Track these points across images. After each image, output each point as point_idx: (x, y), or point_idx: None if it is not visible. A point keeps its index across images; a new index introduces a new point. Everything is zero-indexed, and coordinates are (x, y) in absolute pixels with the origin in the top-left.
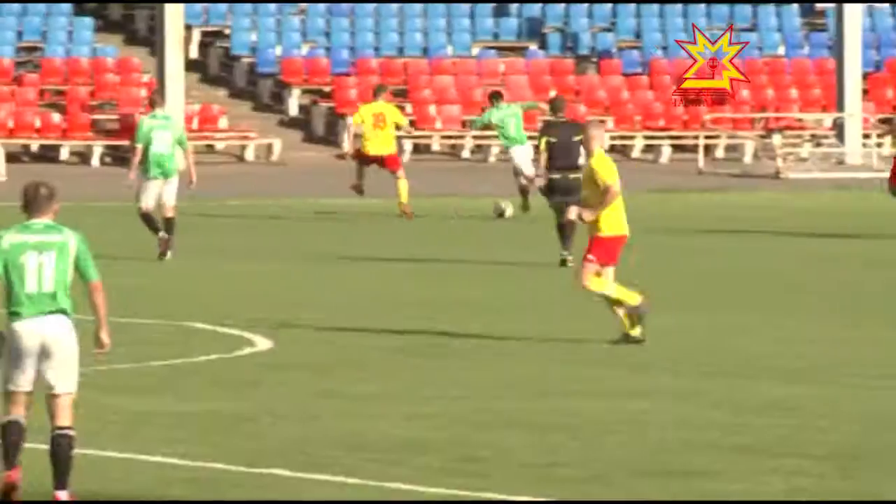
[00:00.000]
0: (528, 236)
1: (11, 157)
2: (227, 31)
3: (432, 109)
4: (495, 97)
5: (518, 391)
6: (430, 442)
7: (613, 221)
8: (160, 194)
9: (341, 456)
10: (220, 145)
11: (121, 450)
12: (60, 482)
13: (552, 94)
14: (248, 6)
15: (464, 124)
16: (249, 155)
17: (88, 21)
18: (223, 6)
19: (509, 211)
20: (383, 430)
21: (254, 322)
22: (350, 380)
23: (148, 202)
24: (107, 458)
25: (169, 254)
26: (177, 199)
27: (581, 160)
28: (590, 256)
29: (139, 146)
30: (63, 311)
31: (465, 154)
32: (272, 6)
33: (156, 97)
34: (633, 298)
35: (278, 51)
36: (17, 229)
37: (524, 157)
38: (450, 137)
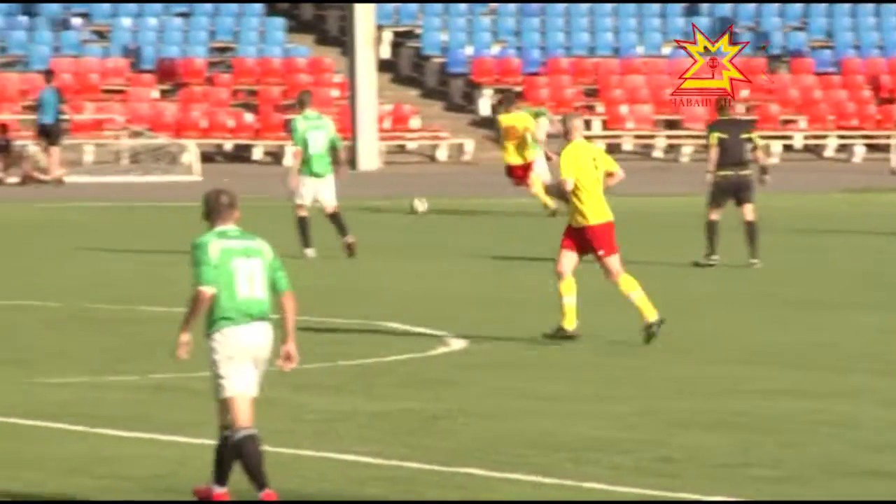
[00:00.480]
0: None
1: (206, 157)
2: (417, 31)
3: (623, 109)
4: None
5: (708, 390)
6: (624, 441)
7: (599, 209)
8: (317, 194)
9: (535, 455)
10: (411, 145)
11: (316, 448)
12: (225, 479)
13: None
14: (438, 6)
15: (655, 124)
16: (441, 155)
17: (280, 21)
18: (414, 6)
19: (422, 207)
20: (577, 429)
21: (447, 321)
22: (543, 379)
23: (305, 201)
24: (302, 457)
25: (310, 252)
26: (336, 196)
27: (748, 156)
28: (600, 252)
29: (299, 148)
30: (268, 318)
31: (657, 154)
32: (463, 6)
33: (304, 97)
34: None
35: (469, 51)
36: (216, 235)
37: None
38: (641, 137)
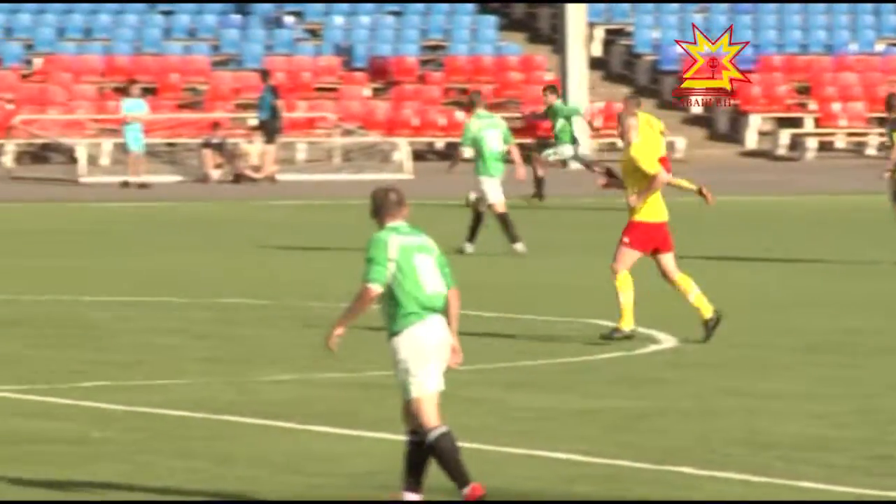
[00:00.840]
0: None
1: (417, 156)
2: (629, 29)
3: (836, 107)
4: (553, 90)
5: None
6: (837, 440)
7: (650, 208)
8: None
9: (746, 454)
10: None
11: (525, 446)
12: (417, 484)
13: None
14: (650, 4)
15: (868, 121)
16: None
17: (492, 19)
18: (626, 4)
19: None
20: (788, 427)
21: (657, 319)
22: (754, 377)
23: (497, 199)
24: (511, 455)
25: (519, 246)
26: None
27: None
28: (625, 239)
29: (465, 148)
30: (442, 311)
31: (870, 151)
32: (674, 4)
33: (475, 97)
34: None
35: (680, 48)
36: (391, 232)
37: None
38: (854, 135)
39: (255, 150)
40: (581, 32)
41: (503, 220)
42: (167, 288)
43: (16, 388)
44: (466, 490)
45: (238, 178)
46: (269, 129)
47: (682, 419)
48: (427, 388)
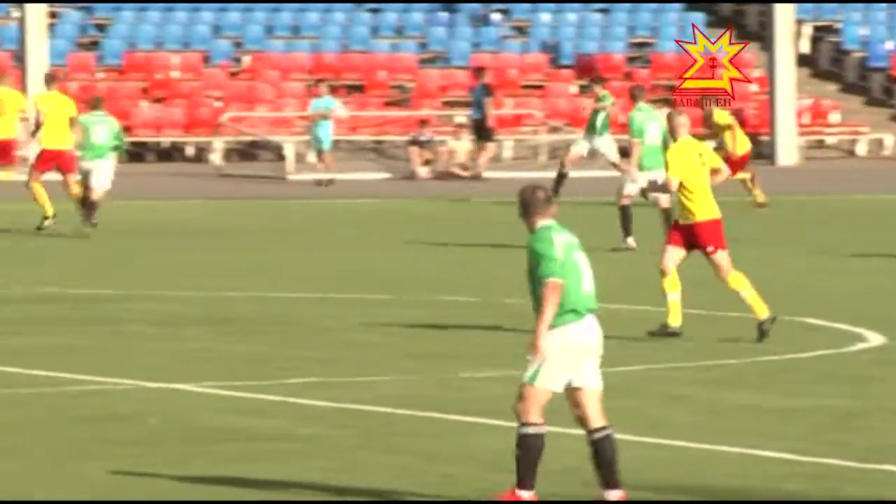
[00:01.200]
0: None
1: (623, 153)
2: (837, 26)
3: None
4: (598, 82)
5: None
6: None
7: (706, 206)
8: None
9: None
10: (830, 140)
11: (734, 444)
12: (613, 482)
13: None
14: (859, 3)
15: None
16: (860, 150)
17: (699, 16)
18: (834, 3)
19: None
20: None
21: (866, 318)
22: None
23: (632, 192)
24: (721, 453)
25: (631, 241)
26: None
27: None
28: (710, 248)
29: (637, 140)
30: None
31: None
32: (882, 3)
33: (637, 91)
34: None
35: (890, 45)
36: (550, 230)
37: None
38: None
39: (462, 147)
40: (789, 29)
41: (624, 213)
42: (372, 285)
43: (225, 385)
44: (527, 494)
45: (446, 175)
46: (481, 127)
47: (889, 417)
48: (551, 385)
